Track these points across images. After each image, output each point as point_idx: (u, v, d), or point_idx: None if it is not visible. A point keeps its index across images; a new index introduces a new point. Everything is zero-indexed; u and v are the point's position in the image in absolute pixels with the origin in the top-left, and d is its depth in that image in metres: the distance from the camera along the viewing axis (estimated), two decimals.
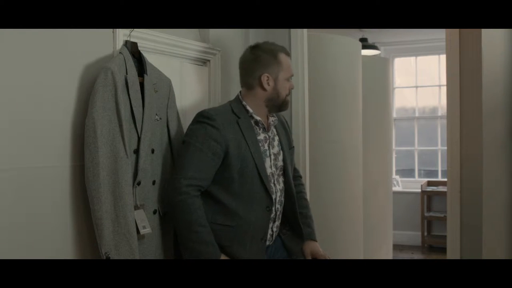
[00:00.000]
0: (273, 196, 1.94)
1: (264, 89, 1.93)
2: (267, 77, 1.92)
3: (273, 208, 1.95)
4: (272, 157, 1.99)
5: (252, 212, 1.88)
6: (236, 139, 1.87)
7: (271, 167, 1.97)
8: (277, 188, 1.99)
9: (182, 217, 1.77)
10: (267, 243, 1.96)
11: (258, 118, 1.95)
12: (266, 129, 1.98)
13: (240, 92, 2.01)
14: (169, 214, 1.88)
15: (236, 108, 1.94)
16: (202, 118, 1.87)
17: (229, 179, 1.86)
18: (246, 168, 1.87)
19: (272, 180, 1.97)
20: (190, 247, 1.78)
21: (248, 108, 1.95)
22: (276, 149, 2.01)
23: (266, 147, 1.97)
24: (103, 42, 1.90)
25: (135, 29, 1.96)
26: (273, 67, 1.94)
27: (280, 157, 2.02)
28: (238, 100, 1.98)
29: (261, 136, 1.96)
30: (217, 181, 1.86)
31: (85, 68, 1.81)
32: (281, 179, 2.02)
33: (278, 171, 2.00)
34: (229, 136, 1.85)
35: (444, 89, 5.33)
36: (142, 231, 1.84)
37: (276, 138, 2.03)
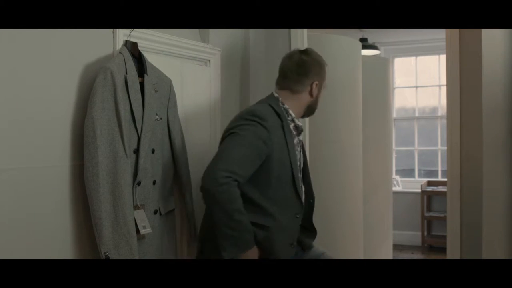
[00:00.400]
0: (303, 203, 1.96)
1: (311, 95, 1.98)
2: (316, 84, 1.97)
3: (301, 213, 1.97)
4: (300, 161, 2.00)
5: (285, 217, 1.88)
6: (280, 143, 1.86)
7: (299, 172, 1.98)
8: (302, 191, 2.00)
9: (222, 206, 1.71)
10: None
11: (299, 123, 1.97)
12: (299, 134, 2.00)
13: (276, 93, 1.98)
14: (205, 202, 1.79)
15: (278, 110, 1.91)
16: (253, 116, 1.82)
17: (266, 182, 1.83)
18: (284, 174, 1.87)
19: (300, 185, 1.97)
20: (230, 235, 1.73)
21: (291, 112, 1.95)
22: (301, 153, 2.03)
23: (298, 152, 1.98)
24: (103, 42, 1.90)
25: (135, 29, 1.96)
26: (321, 76, 2.00)
27: (302, 160, 2.04)
28: (276, 102, 1.94)
29: (295, 140, 1.96)
30: (252, 181, 1.81)
31: (85, 68, 1.81)
32: (302, 182, 2.03)
33: (301, 174, 2.02)
34: (275, 140, 1.84)
35: (444, 89, 5.33)
36: (142, 231, 1.84)
37: (301, 142, 2.05)
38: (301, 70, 1.96)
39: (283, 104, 1.94)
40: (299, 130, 1.98)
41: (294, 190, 1.91)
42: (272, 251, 1.83)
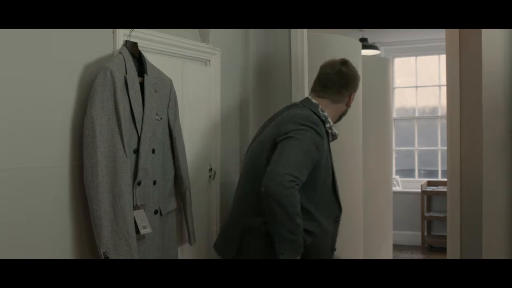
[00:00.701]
0: (341, 206, 1.99)
1: (348, 105, 2.06)
2: (353, 95, 2.06)
3: (340, 217, 2.00)
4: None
5: (328, 222, 1.91)
6: (326, 149, 1.89)
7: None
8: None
9: (286, 210, 1.70)
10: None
11: (336, 131, 1.99)
12: (332, 140, 2.03)
13: (314, 99, 2.01)
14: (267, 206, 1.75)
15: (320, 116, 1.94)
16: (309, 122, 1.85)
17: (313, 187, 1.85)
18: (327, 179, 1.90)
19: (338, 189, 2.01)
20: (289, 239, 1.73)
21: (330, 120, 1.98)
22: None
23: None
24: (103, 42, 1.90)
25: (135, 29, 1.96)
26: (357, 88, 2.07)
27: None
28: (316, 108, 1.97)
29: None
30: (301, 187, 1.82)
31: (85, 68, 1.81)
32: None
33: None
34: (325, 146, 1.87)
35: (444, 89, 5.33)
36: (142, 231, 1.83)
37: None
38: (343, 82, 2.01)
39: (323, 111, 1.98)
40: (334, 137, 2.02)
41: (334, 194, 1.95)
42: (316, 256, 1.85)
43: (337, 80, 2.01)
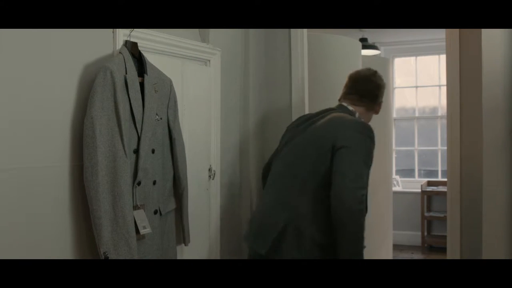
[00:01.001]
0: None
1: (377, 112, 2.18)
2: (381, 103, 2.16)
3: None
4: None
5: None
6: None
7: None
8: None
9: (360, 225, 1.74)
10: None
11: None
12: None
13: (349, 106, 2.08)
14: (339, 219, 1.75)
15: None
16: (368, 130, 1.90)
17: None
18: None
19: None
20: (362, 254, 1.76)
21: None
22: None
23: None
24: (103, 42, 1.90)
25: (135, 29, 1.96)
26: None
27: None
28: (354, 115, 2.05)
29: None
30: None
31: (84, 68, 1.81)
32: None
33: None
34: None
35: (444, 89, 5.33)
36: (142, 231, 1.83)
37: None
38: (376, 92, 2.13)
39: (361, 118, 2.05)
40: None
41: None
42: None
43: (371, 90, 2.11)
